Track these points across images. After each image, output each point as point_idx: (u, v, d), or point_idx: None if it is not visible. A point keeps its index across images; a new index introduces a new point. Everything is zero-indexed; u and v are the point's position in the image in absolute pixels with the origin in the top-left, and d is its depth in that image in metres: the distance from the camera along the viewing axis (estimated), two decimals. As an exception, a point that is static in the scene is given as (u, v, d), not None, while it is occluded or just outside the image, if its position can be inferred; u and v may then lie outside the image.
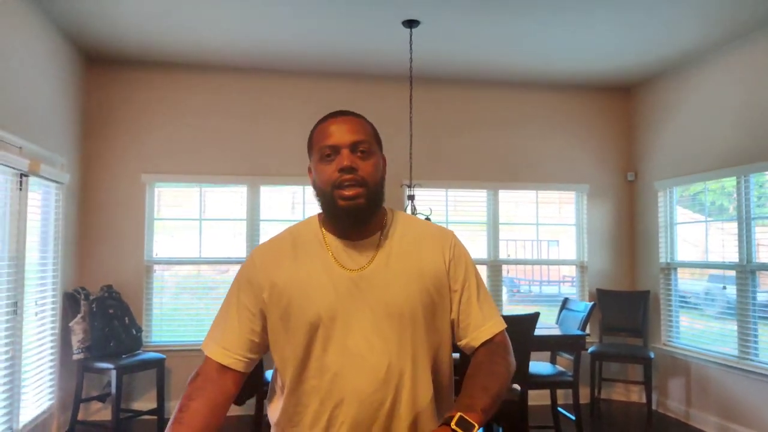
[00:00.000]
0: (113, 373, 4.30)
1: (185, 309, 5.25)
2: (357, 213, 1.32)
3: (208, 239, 5.25)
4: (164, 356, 4.72)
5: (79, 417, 4.58)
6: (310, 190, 4.98)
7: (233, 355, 1.38)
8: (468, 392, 1.25)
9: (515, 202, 5.78)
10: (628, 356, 4.97)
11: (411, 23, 4.18)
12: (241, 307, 1.40)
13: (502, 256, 5.69)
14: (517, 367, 3.39)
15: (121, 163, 5.06)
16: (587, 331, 5.45)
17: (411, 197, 4.20)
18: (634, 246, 5.71)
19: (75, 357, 4.44)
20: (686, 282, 5.20)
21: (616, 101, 5.83)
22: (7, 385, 3.62)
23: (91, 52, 4.85)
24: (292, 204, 5.55)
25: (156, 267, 5.16)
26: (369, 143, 1.37)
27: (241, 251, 5.26)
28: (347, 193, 1.30)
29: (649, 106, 5.53)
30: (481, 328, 1.40)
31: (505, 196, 5.71)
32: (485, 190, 5.65)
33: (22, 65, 3.77)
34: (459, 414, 1.17)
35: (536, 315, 3.53)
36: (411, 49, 4.35)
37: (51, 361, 4.32)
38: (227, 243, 5.31)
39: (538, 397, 5.04)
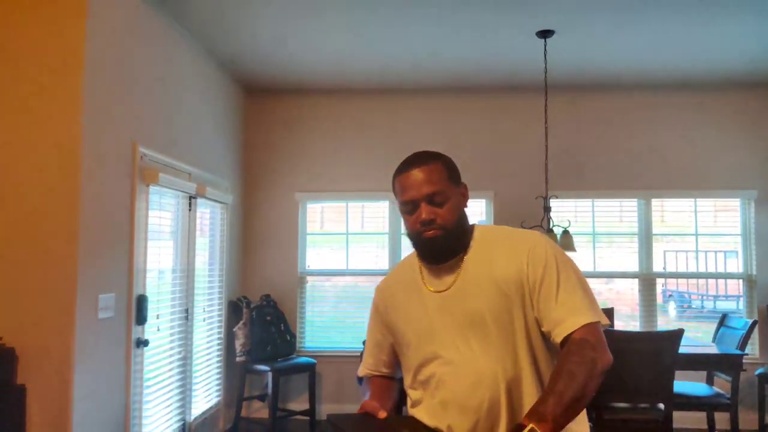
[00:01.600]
0: (269, 375, 4.72)
1: (335, 317, 5.59)
2: (438, 248, 1.51)
3: (355, 252, 5.56)
4: (315, 361, 5.07)
5: (243, 414, 5.07)
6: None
7: (375, 373, 1.71)
8: (543, 397, 1.28)
9: (671, 211, 5.41)
10: (803, 381, 4.42)
11: (545, 33, 4.13)
12: (372, 335, 1.71)
13: (657, 268, 5.33)
14: (661, 385, 3.22)
15: (276, 183, 5.54)
16: (751, 350, 4.98)
17: (546, 209, 4.13)
18: (814, 257, 5.06)
19: (237, 359, 4.93)
20: None
21: (787, 96, 5.23)
22: (181, 382, 4.13)
23: (248, 84, 5.40)
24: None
25: (309, 278, 5.56)
26: (443, 191, 1.49)
27: (383, 263, 5.49)
28: (428, 234, 1.49)
29: (829, 99, 4.90)
30: (561, 325, 1.41)
31: (658, 204, 5.37)
32: (635, 200, 5.35)
33: (189, 100, 4.33)
34: (531, 426, 1.21)
35: (680, 332, 3.30)
36: (545, 59, 4.29)
37: (218, 362, 4.85)
38: (372, 255, 5.58)
39: (694, 420, 4.65)
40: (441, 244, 1.49)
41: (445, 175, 1.51)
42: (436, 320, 1.50)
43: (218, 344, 4.86)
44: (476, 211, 5.48)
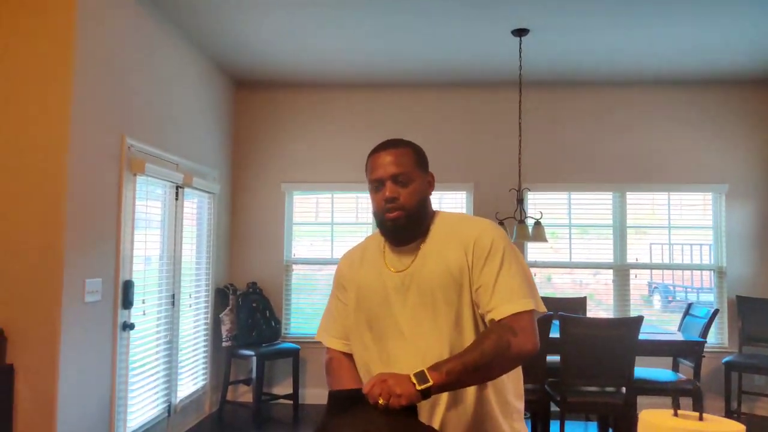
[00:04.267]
0: (254, 359, 4.88)
1: (320, 305, 5.74)
2: (399, 230, 1.61)
3: (340, 241, 5.71)
4: (299, 347, 5.24)
5: (228, 397, 5.24)
6: (442, 195, 5.15)
7: (343, 342, 1.74)
8: (450, 357, 1.46)
9: (648, 204, 5.56)
10: (766, 368, 4.60)
11: (520, 32, 4.27)
12: (337, 302, 1.77)
13: (631, 260, 5.49)
14: (622, 370, 3.38)
15: (263, 173, 5.69)
16: (721, 339, 5.18)
17: (519, 201, 4.28)
18: (781, 250, 5.25)
19: (224, 344, 5.09)
20: None
21: (760, 94, 5.38)
22: (167, 365, 4.29)
23: (238, 77, 5.54)
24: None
25: (294, 266, 5.72)
26: (407, 174, 1.61)
27: (368, 253, 5.63)
28: (391, 215, 1.60)
29: (799, 97, 5.05)
30: (495, 310, 1.52)
31: (633, 198, 5.53)
32: (611, 193, 5.51)
33: (179, 92, 4.46)
34: (423, 369, 1.39)
35: (639, 318, 3.46)
36: (521, 57, 4.43)
37: (204, 347, 5.01)
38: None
39: (661, 406, 4.83)
40: (402, 225, 1.59)
41: (412, 160, 1.63)
42: (392, 298, 1.60)
43: (205, 329, 5.02)
44: (457, 202, 5.64)
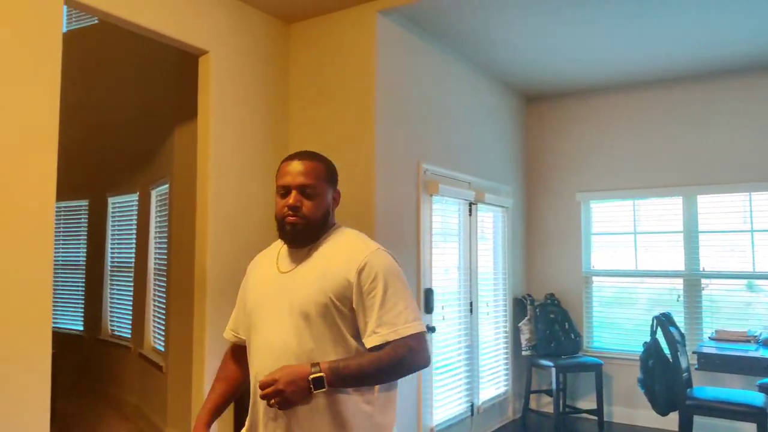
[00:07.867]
0: (553, 370, 4.92)
1: (623, 319, 5.47)
2: (295, 234, 1.68)
3: (645, 252, 5.37)
4: (602, 362, 5.08)
5: (531, 406, 5.36)
6: (758, 196, 4.63)
7: (232, 333, 1.90)
8: (343, 358, 1.58)
9: None
10: None
11: None
12: (239, 296, 1.91)
13: None
14: None
15: (557, 184, 5.72)
16: None
17: None
18: None
19: (523, 353, 5.24)
20: None
21: None
22: (468, 367, 4.64)
23: (527, 92, 5.71)
24: (742, 212, 5.12)
25: (594, 278, 5.57)
26: (315, 186, 1.68)
27: (679, 264, 5.18)
28: (290, 219, 1.67)
29: None
30: (373, 335, 1.59)
31: None
32: None
33: (470, 116, 4.84)
34: (320, 363, 1.53)
35: None
36: None
37: (505, 354, 5.23)
38: (664, 255, 5.31)
39: None
40: (299, 231, 1.66)
41: (322, 175, 1.70)
42: (268, 297, 1.69)
43: (504, 337, 5.25)
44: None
